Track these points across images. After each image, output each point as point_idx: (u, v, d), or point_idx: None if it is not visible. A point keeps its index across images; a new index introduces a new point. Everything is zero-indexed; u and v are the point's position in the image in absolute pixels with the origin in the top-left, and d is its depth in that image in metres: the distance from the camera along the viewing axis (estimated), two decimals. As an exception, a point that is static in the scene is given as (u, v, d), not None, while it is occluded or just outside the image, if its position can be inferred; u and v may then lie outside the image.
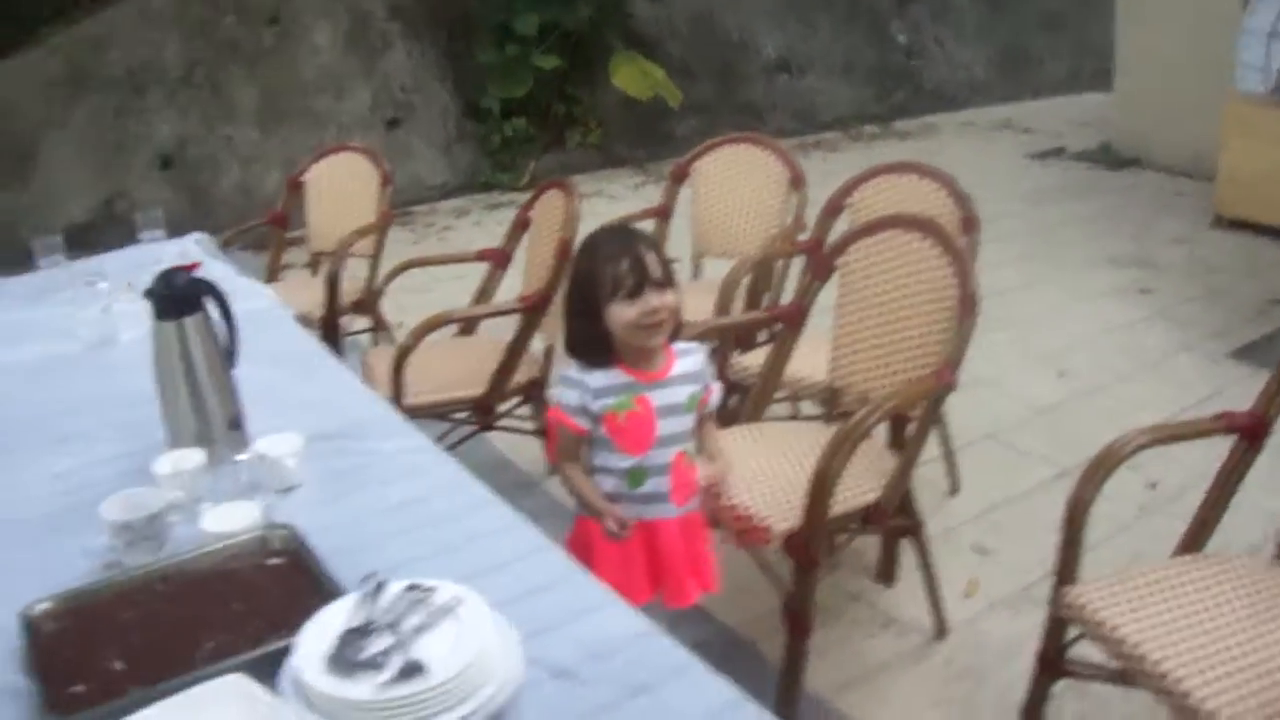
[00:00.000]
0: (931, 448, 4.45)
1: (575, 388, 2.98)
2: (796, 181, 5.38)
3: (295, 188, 6.18)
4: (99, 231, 8.91)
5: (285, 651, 1.88)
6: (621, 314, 2.88)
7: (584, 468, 3.06)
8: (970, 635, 3.99)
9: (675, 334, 3.04)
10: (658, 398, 3.02)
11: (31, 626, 2.09)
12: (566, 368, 3.05)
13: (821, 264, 4.11)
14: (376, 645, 1.86)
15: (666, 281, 2.91)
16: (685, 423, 3.10)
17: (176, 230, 5.11)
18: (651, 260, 2.89)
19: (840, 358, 4.06)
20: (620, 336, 2.93)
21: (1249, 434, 3.14)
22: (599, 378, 2.98)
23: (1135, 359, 6.28)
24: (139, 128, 9.70)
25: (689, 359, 3.10)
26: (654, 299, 2.87)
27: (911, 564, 4.06)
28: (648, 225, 5.71)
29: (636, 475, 3.01)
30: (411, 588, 1.99)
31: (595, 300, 2.91)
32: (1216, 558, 3.06)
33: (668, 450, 3.06)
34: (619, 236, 3.01)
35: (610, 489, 3.03)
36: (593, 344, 2.98)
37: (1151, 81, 10.51)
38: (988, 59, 14.74)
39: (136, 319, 3.40)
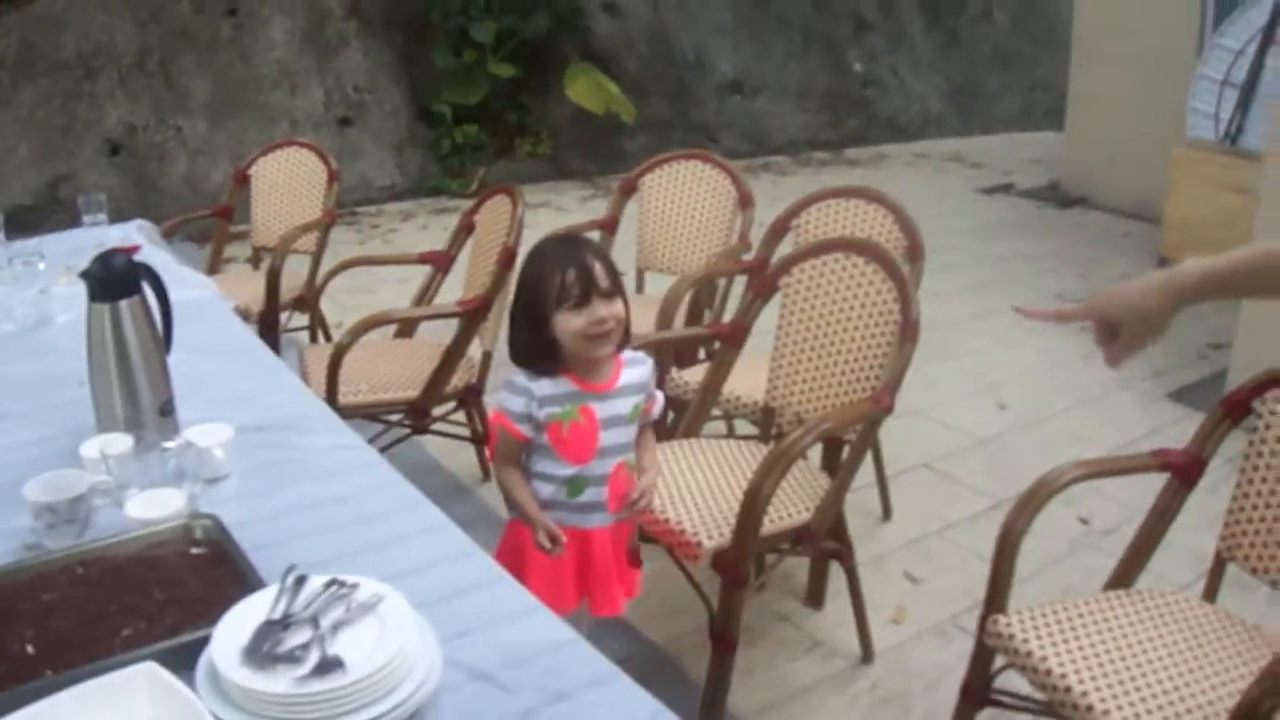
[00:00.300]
0: (866, 474, 4.45)
1: (521, 394, 2.95)
2: (744, 201, 5.39)
3: (242, 180, 6.15)
4: (41, 214, 8.86)
5: (203, 642, 1.85)
6: (568, 323, 2.86)
7: (523, 472, 3.04)
8: (896, 662, 3.99)
9: (624, 344, 3.03)
10: (603, 409, 3.00)
11: (-55, 604, 2.05)
12: (513, 373, 3.03)
13: (765, 283, 4.11)
14: (295, 639, 1.84)
15: (614, 291, 2.89)
16: (628, 433, 3.08)
17: (121, 218, 5.09)
18: (599, 270, 2.87)
19: (778, 378, 4.06)
20: (567, 346, 2.91)
21: (1183, 473, 3.15)
22: (545, 385, 2.95)
23: (1075, 395, 6.31)
24: (88, 112, 9.64)
25: (636, 369, 3.08)
26: (601, 309, 2.85)
27: (841, 588, 4.06)
28: (593, 237, 5.71)
29: (576, 485, 2.99)
30: (333, 583, 1.97)
31: (542, 309, 2.89)
32: (1146, 593, 3.08)
33: (608, 461, 3.04)
34: (567, 245, 2.98)
35: (547, 496, 3.00)
36: (540, 352, 2.95)
37: (1102, 122, 10.60)
38: (941, 92, 14.82)
39: (73, 302, 3.38)
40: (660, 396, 3.19)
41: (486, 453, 3.04)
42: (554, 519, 2.95)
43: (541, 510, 2.96)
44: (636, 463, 3.19)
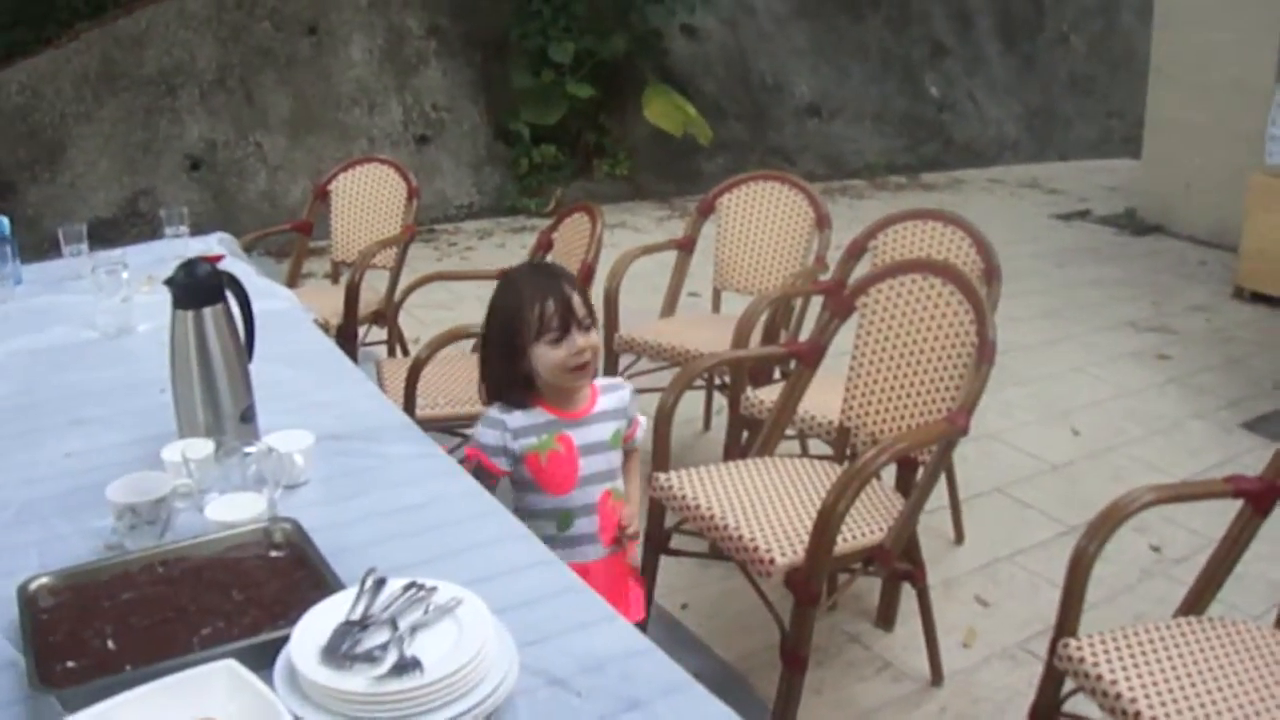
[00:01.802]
0: (939, 497, 4.44)
1: (494, 427, 2.96)
2: (822, 222, 5.39)
3: (322, 196, 6.20)
4: (123, 227, 8.97)
5: (281, 642, 1.87)
6: (548, 356, 2.87)
7: (512, 511, 3.02)
8: (966, 685, 3.97)
9: (595, 371, 3.02)
10: (580, 436, 3.00)
11: (28, 601, 2.08)
12: (492, 407, 3.03)
13: (842, 303, 4.11)
14: (373, 639, 1.85)
15: (591, 322, 2.90)
16: (610, 460, 3.07)
17: (200, 232, 5.14)
18: (577, 300, 2.88)
19: (853, 398, 4.06)
20: (545, 377, 2.91)
21: (1257, 500, 3.12)
22: (519, 417, 2.95)
23: (1147, 424, 6.26)
24: (169, 128, 9.74)
25: (612, 395, 3.08)
26: (580, 340, 2.86)
27: (911, 610, 4.04)
28: (671, 256, 5.73)
29: (564, 517, 2.99)
30: (411, 586, 1.98)
31: (520, 341, 2.89)
32: (1219, 621, 3.05)
33: (592, 490, 3.04)
34: (543, 275, 2.98)
35: (542, 534, 2.95)
36: (514, 385, 2.96)
37: (1179, 150, 10.51)
38: (1018, 117, 14.76)
39: (155, 310, 3.44)
40: (643, 421, 3.20)
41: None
42: None
43: None
44: (625, 491, 3.20)
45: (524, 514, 2.94)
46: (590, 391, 3.04)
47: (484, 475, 2.94)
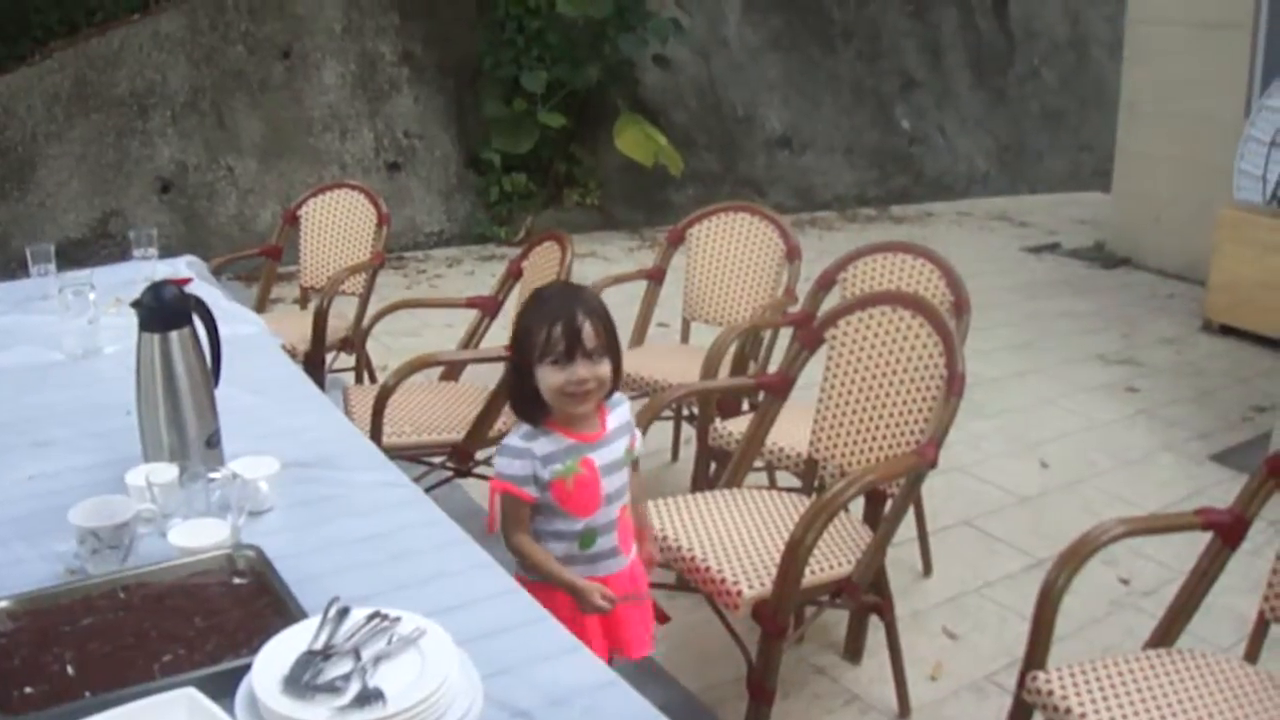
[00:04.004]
0: (907, 530, 4.44)
1: (521, 457, 2.94)
2: (792, 253, 5.39)
3: (292, 221, 6.18)
4: (92, 248, 8.93)
5: (242, 670, 1.86)
6: (548, 378, 2.86)
7: (531, 536, 3.03)
8: (933, 718, 3.96)
9: (607, 395, 3.03)
10: (600, 457, 2.99)
11: (-13, 626, 2.07)
12: (509, 436, 3.03)
13: (811, 335, 4.11)
14: (336, 670, 1.84)
15: (602, 351, 2.88)
16: (625, 476, 3.08)
17: (169, 254, 5.13)
18: (589, 329, 2.86)
19: (822, 430, 4.05)
20: (547, 398, 2.92)
21: (1226, 532, 3.14)
22: (543, 444, 2.94)
23: (1117, 456, 6.27)
24: (140, 149, 9.71)
25: (618, 411, 3.08)
26: (583, 370, 2.84)
27: (879, 643, 4.04)
28: (640, 286, 5.73)
29: (588, 537, 2.98)
30: (375, 616, 1.97)
31: (528, 358, 2.89)
32: (1187, 653, 3.05)
33: (614, 507, 3.04)
34: (562, 298, 2.96)
35: (561, 553, 2.97)
36: (524, 399, 2.96)
37: (1149, 183, 10.56)
38: (988, 150, 14.81)
39: (122, 332, 3.43)
40: (639, 434, 3.20)
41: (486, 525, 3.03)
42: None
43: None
44: (635, 519, 3.22)
45: (544, 537, 2.98)
46: (599, 412, 3.03)
47: (515, 506, 2.93)
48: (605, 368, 2.89)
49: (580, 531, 2.97)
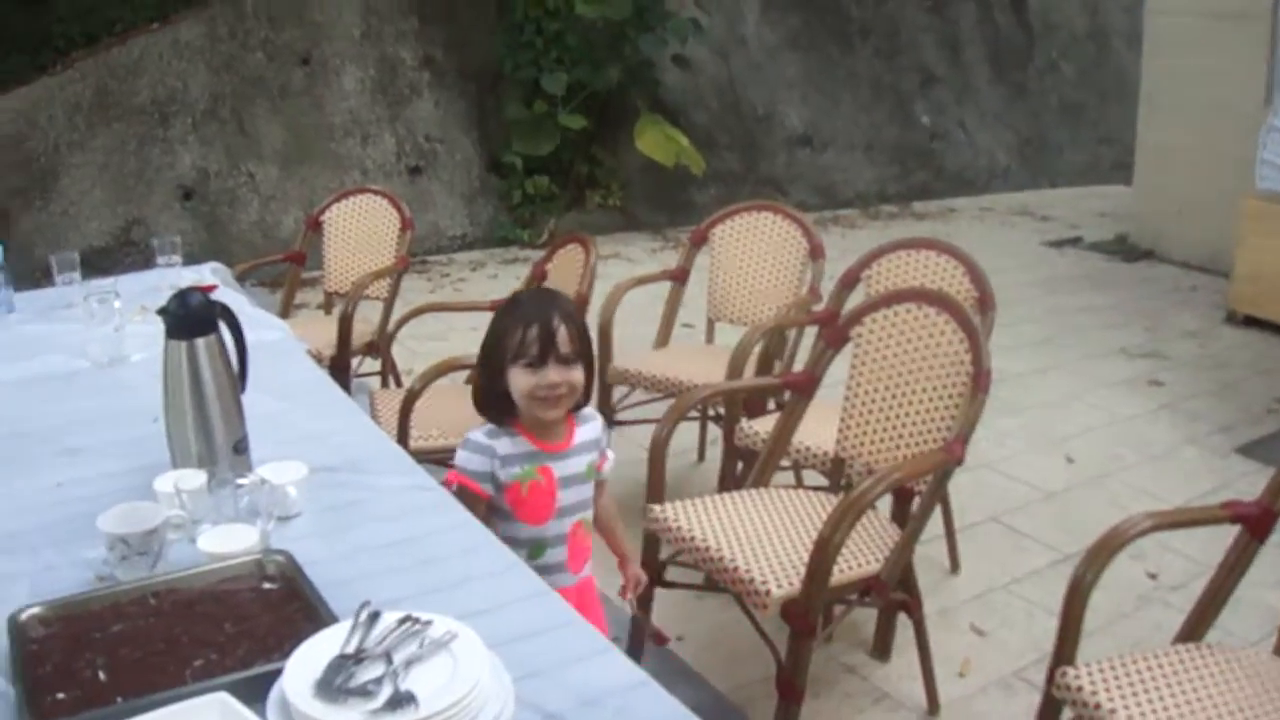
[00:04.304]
0: (934, 527, 4.43)
1: (482, 453, 2.97)
2: (815, 252, 5.39)
3: (314, 227, 6.20)
4: (116, 256, 8.95)
5: (274, 675, 1.86)
6: (519, 381, 2.89)
7: None
8: (962, 715, 3.95)
9: (578, 406, 3.04)
10: (560, 468, 3.01)
11: (19, 632, 2.08)
12: (473, 430, 3.04)
13: (836, 333, 4.11)
14: (367, 674, 1.84)
15: (575, 358, 2.91)
16: (584, 491, 3.09)
17: (192, 261, 5.13)
18: (564, 334, 2.88)
19: (848, 428, 4.05)
20: (517, 402, 2.93)
21: (1254, 525, 3.12)
22: (506, 444, 2.97)
23: (1141, 450, 6.26)
24: (162, 157, 9.73)
25: (588, 426, 3.10)
26: (554, 374, 2.87)
27: (908, 640, 4.04)
28: (664, 287, 5.73)
29: (537, 547, 2.99)
30: (406, 619, 1.97)
31: (500, 360, 2.91)
32: (1217, 647, 3.04)
33: (566, 520, 3.05)
34: (540, 301, 2.99)
35: None
36: (494, 401, 2.98)
37: (1171, 175, 10.52)
38: (1009, 145, 14.78)
39: (148, 340, 3.44)
40: (611, 455, 3.22)
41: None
42: None
43: None
44: (610, 540, 3.30)
45: None
46: (569, 424, 3.05)
47: (469, 499, 2.94)
48: (578, 373, 2.91)
49: (529, 540, 2.97)
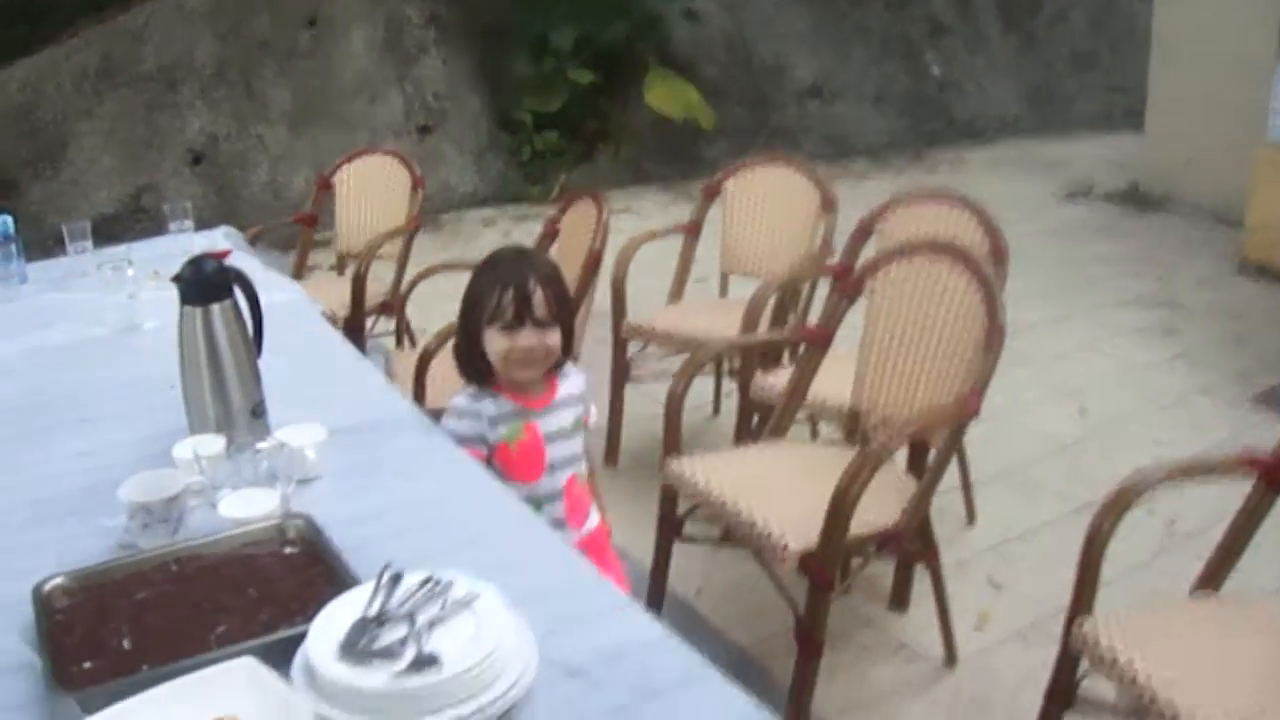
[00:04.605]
0: (950, 479, 4.44)
1: (469, 417, 2.99)
2: (827, 204, 5.38)
3: (325, 188, 6.20)
4: (127, 223, 8.95)
5: (298, 639, 1.87)
6: (494, 342, 2.90)
7: None
8: (980, 666, 3.97)
9: (556, 366, 3.05)
10: (545, 424, 3.03)
11: (43, 602, 2.08)
12: (455, 396, 3.05)
13: (851, 285, 4.11)
14: (391, 635, 1.84)
15: (551, 320, 2.91)
16: (573, 445, 3.10)
17: (204, 226, 5.14)
18: (540, 296, 2.88)
19: (864, 381, 4.05)
20: (493, 363, 2.94)
21: (1271, 475, 3.11)
22: (489, 406, 2.98)
23: (1156, 400, 6.26)
24: (170, 123, 9.73)
25: (570, 381, 3.11)
26: (530, 338, 2.88)
27: (925, 592, 4.05)
28: (677, 242, 5.72)
29: (534, 505, 2.94)
30: (428, 580, 1.97)
31: (476, 322, 2.92)
32: (1234, 598, 3.04)
33: (560, 475, 3.07)
34: (515, 263, 2.99)
35: None
36: (471, 361, 2.99)
37: (1183, 124, 10.46)
38: (1019, 94, 14.71)
39: (162, 306, 3.43)
40: (595, 411, 3.25)
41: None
42: None
43: None
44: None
45: None
46: (548, 381, 3.06)
47: None
48: (554, 336, 2.92)
49: (525, 499, 2.95)
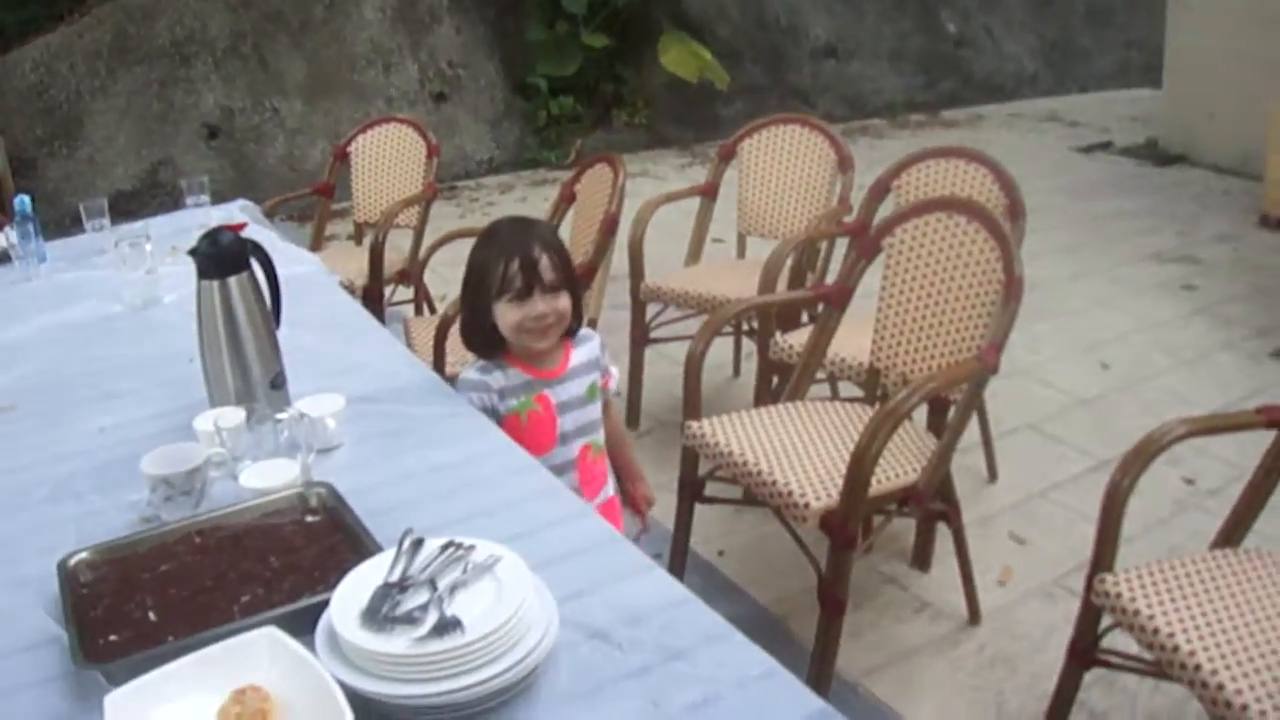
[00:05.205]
0: (970, 435, 4.44)
1: (478, 390, 2.97)
2: (844, 163, 5.37)
3: (341, 158, 6.21)
4: (144, 199, 8.98)
5: (321, 607, 1.88)
6: (506, 314, 2.88)
7: None
8: (1003, 623, 3.97)
9: (570, 332, 3.04)
10: (557, 394, 3.02)
11: (68, 577, 2.10)
12: (465, 369, 3.05)
13: (868, 244, 4.10)
14: (413, 601, 1.86)
15: (560, 285, 2.89)
16: (589, 414, 3.10)
17: (221, 199, 5.15)
18: (546, 263, 2.86)
19: (883, 339, 4.05)
20: (506, 335, 2.93)
21: (1291, 430, 3.11)
22: (499, 378, 2.97)
23: (1176, 355, 6.24)
24: (185, 98, 9.74)
25: (584, 348, 3.10)
26: (541, 305, 2.86)
27: (947, 550, 4.04)
28: (693, 203, 5.72)
29: None
30: (449, 545, 1.98)
31: (484, 295, 2.90)
32: (1254, 552, 3.04)
33: (573, 445, 3.06)
34: (518, 232, 2.96)
35: None
36: (481, 336, 2.98)
37: (1201, 79, 10.40)
38: (1035, 51, 14.64)
39: (180, 281, 3.46)
40: (615, 372, 3.23)
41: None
42: None
43: None
44: (617, 459, 3.30)
45: None
46: (563, 349, 3.05)
47: None
48: (564, 301, 2.89)
49: None
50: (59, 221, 5.10)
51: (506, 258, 2.85)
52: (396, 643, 1.76)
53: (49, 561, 2.13)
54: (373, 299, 5.28)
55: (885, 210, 4.45)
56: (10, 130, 9.00)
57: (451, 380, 3.21)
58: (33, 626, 2.04)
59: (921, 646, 3.89)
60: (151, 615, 2.00)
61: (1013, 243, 3.70)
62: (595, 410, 3.11)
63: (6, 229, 4.47)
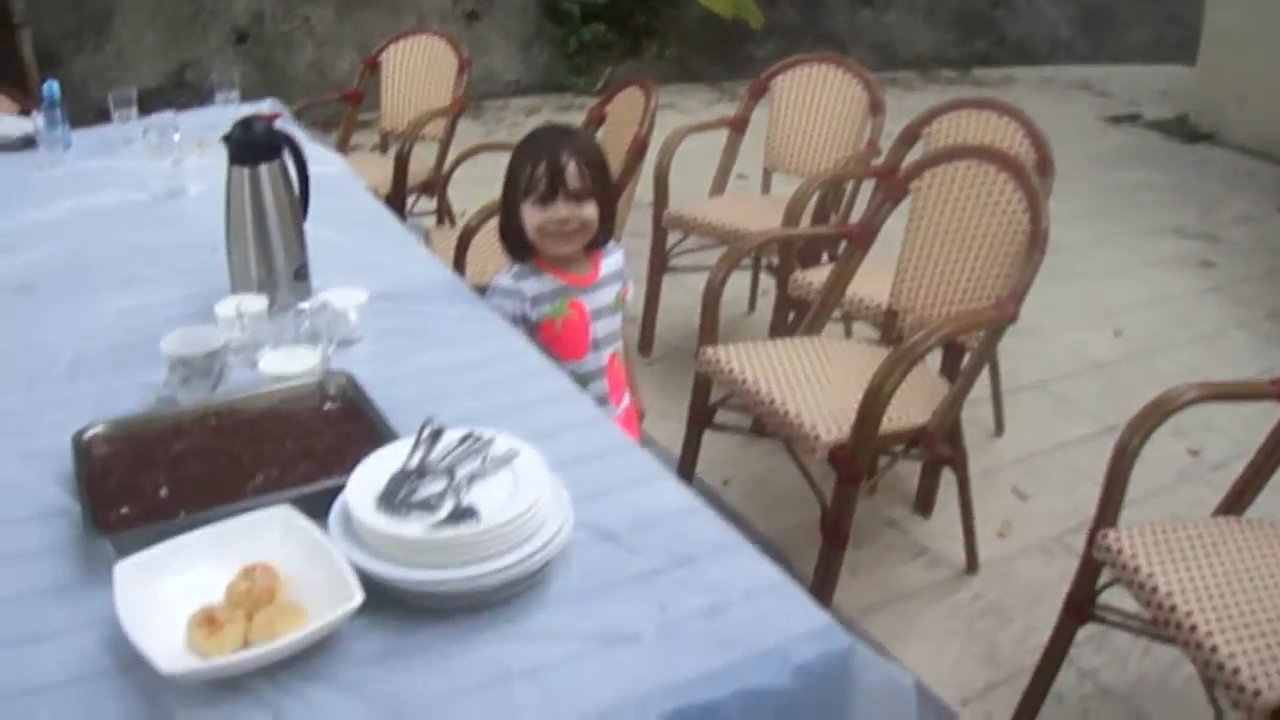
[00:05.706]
0: (980, 389, 4.43)
1: (511, 297, 3.00)
2: (875, 106, 5.36)
3: (372, 67, 6.21)
4: (169, 97, 8.89)
5: (335, 491, 1.89)
6: (530, 216, 2.92)
7: None
8: (1000, 574, 3.99)
9: (596, 243, 3.06)
10: (590, 301, 3.05)
11: (82, 450, 2.11)
12: (499, 276, 3.07)
13: (896, 186, 4.09)
14: (429, 488, 1.86)
15: (586, 193, 2.92)
16: (615, 322, 3.14)
17: (247, 102, 5.12)
18: (573, 169, 2.89)
19: (904, 281, 4.05)
20: (531, 237, 2.96)
21: (1300, 407, 3.11)
22: (532, 285, 3.00)
23: (1190, 329, 6.23)
24: (216, 1, 9.69)
25: (612, 258, 3.14)
26: (563, 210, 2.89)
27: (950, 498, 4.06)
28: (720, 139, 5.71)
29: (580, 382, 2.93)
30: (468, 437, 1.99)
31: (513, 196, 2.95)
32: (1256, 521, 3.04)
33: (603, 352, 3.10)
34: (551, 137, 2.99)
35: None
36: (512, 236, 3.01)
37: (1236, 59, 10.32)
38: (1072, 17, 14.54)
39: (206, 174, 3.46)
40: (632, 286, 3.26)
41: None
42: None
43: None
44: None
45: None
46: (593, 257, 3.08)
47: None
48: (589, 209, 2.92)
49: (570, 376, 2.98)
50: (83, 116, 5.07)
51: (534, 161, 2.89)
52: (411, 528, 1.77)
53: (63, 436, 2.14)
54: (395, 207, 5.28)
55: (914, 157, 4.45)
56: (39, 21, 8.96)
57: (475, 291, 3.22)
58: (45, 498, 2.06)
59: (918, 591, 3.91)
60: (164, 491, 2.01)
61: (1041, 195, 3.70)
62: (619, 320, 3.15)
63: (34, 114, 4.47)
